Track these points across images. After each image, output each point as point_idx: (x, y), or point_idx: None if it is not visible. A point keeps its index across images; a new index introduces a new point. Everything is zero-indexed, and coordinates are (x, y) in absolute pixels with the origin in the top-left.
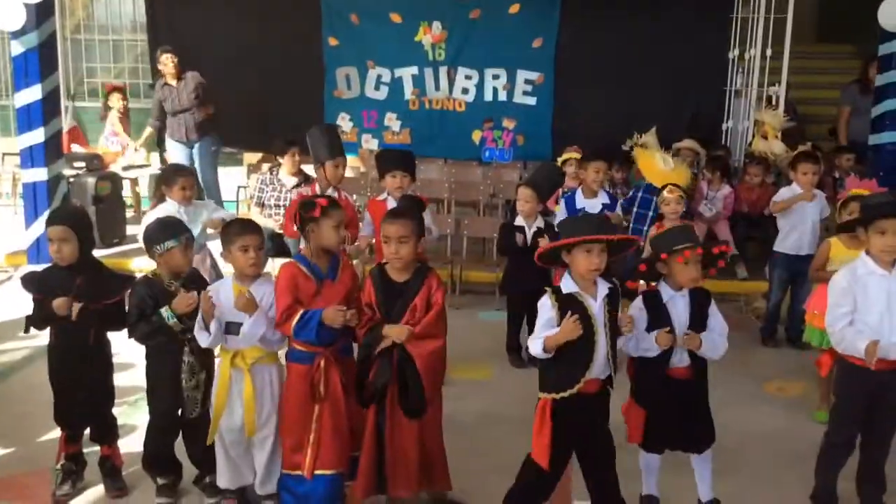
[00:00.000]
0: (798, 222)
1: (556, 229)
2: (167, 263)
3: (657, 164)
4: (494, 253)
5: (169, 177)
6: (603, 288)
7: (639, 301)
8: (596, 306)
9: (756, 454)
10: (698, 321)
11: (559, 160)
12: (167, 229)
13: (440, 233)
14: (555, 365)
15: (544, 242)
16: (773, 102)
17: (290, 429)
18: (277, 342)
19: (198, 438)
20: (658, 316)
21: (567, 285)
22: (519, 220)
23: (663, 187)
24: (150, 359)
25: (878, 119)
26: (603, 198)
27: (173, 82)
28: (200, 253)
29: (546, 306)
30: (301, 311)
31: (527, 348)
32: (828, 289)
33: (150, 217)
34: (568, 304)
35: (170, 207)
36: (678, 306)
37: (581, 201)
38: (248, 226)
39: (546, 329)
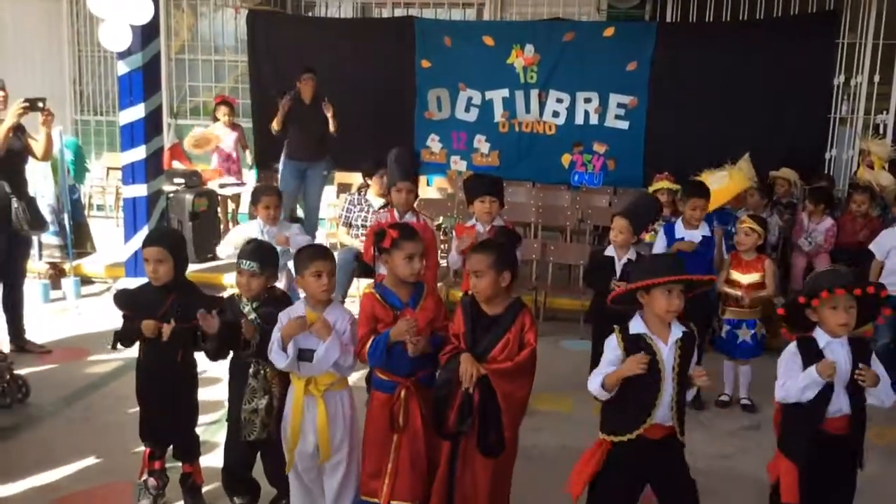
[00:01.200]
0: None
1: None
2: (239, 283)
3: (711, 185)
4: (580, 280)
5: (256, 195)
6: (676, 332)
7: (793, 346)
8: (665, 350)
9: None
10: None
11: (651, 188)
12: (259, 254)
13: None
14: (616, 407)
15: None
16: (881, 131)
17: (370, 455)
18: (349, 368)
19: (275, 461)
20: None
21: (636, 326)
22: (610, 250)
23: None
24: (230, 379)
25: None
26: (704, 229)
27: (307, 101)
28: (281, 272)
29: (612, 345)
30: (373, 337)
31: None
32: None
33: (235, 232)
34: (635, 346)
35: (254, 225)
36: (837, 354)
37: (681, 231)
38: (319, 251)
39: (608, 367)
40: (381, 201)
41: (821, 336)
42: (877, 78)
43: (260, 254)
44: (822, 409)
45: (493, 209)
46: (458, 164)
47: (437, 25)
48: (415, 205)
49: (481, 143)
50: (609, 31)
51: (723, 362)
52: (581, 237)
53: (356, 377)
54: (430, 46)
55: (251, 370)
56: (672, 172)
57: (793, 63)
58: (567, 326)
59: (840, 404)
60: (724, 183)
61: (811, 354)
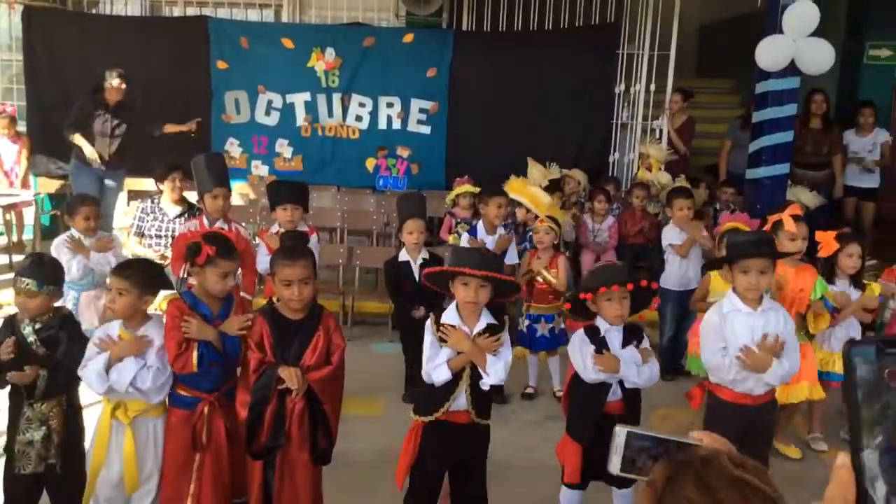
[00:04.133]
0: (682, 259)
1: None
2: (17, 303)
3: (537, 194)
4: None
5: (73, 205)
6: (482, 322)
7: (581, 332)
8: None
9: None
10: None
11: (453, 192)
12: (39, 271)
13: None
14: (427, 390)
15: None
16: (657, 135)
17: (168, 479)
18: (156, 392)
19: (63, 495)
20: (599, 348)
21: (449, 315)
22: (403, 254)
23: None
24: (8, 407)
25: (755, 154)
26: (502, 233)
27: (111, 103)
28: (97, 290)
29: (428, 332)
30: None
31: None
32: (701, 326)
33: (55, 244)
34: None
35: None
36: (614, 340)
37: (482, 236)
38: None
39: (434, 353)
40: (178, 209)
41: (601, 324)
42: (653, 87)
43: (39, 270)
44: (605, 393)
45: (295, 217)
46: (260, 169)
47: (232, 26)
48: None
49: (283, 148)
50: (408, 38)
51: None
52: (387, 241)
53: None
54: (226, 47)
55: (26, 401)
56: (472, 176)
57: (579, 71)
58: (376, 330)
59: (614, 388)
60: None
61: (596, 340)
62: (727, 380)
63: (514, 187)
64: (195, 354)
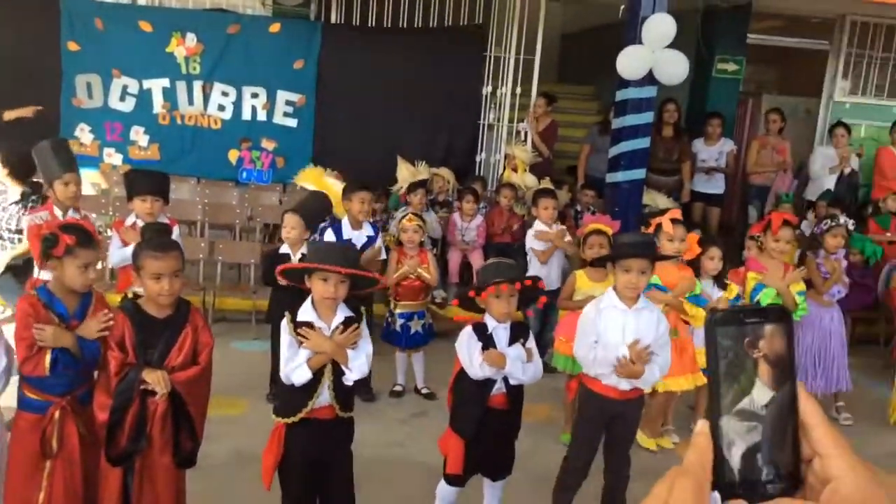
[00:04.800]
0: (547, 253)
1: None
2: None
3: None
4: (252, 279)
5: None
6: (340, 316)
7: (469, 329)
8: (328, 333)
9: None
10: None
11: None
12: None
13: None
14: (287, 390)
15: None
16: (522, 137)
17: (13, 488)
18: None
19: None
20: (486, 345)
21: (304, 313)
22: (285, 248)
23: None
24: None
25: (614, 159)
26: (368, 230)
27: None
28: None
29: (285, 332)
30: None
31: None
32: (578, 319)
33: None
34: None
35: None
36: (500, 337)
37: (348, 232)
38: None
39: (292, 353)
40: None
41: (489, 321)
42: (518, 90)
43: None
44: (489, 389)
45: (154, 209)
46: (113, 158)
47: (86, 5)
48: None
49: (139, 136)
50: (275, 27)
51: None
52: (251, 235)
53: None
54: (79, 28)
55: None
56: (341, 171)
57: (448, 71)
58: (238, 327)
59: (498, 382)
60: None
61: (484, 337)
62: (592, 373)
63: (309, 176)
64: (48, 358)
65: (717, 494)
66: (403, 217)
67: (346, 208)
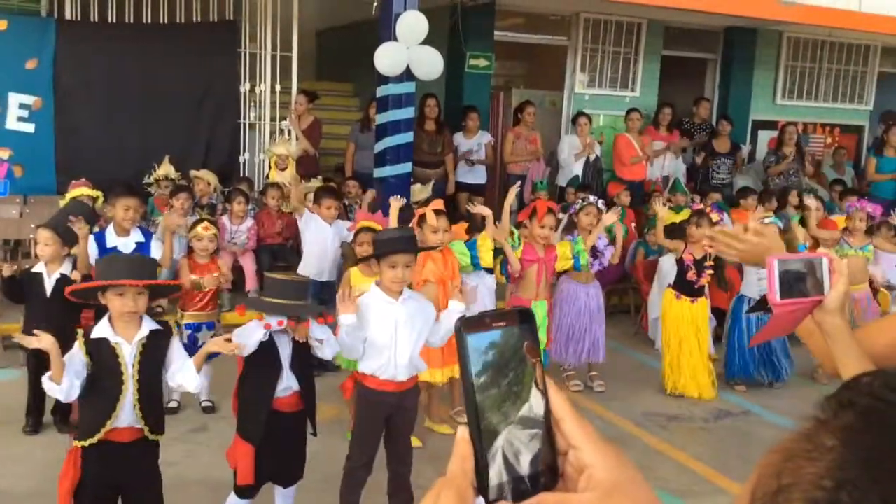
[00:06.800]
0: (321, 251)
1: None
2: None
3: None
4: None
5: None
6: (144, 330)
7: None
8: (128, 350)
9: None
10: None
11: (68, 195)
12: None
13: None
14: (84, 410)
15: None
16: (287, 135)
17: None
18: None
19: None
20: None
21: (100, 329)
22: (39, 267)
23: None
24: None
25: (381, 154)
26: (137, 235)
27: None
28: None
29: (75, 351)
30: None
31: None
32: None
33: None
34: (97, 348)
35: None
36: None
37: (113, 240)
38: None
39: (77, 375)
40: None
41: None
42: (278, 87)
43: None
44: (272, 389)
45: None
46: None
47: None
48: None
49: None
50: (1, 25)
51: None
52: None
53: None
54: None
55: None
56: (89, 178)
57: (202, 69)
58: None
59: (289, 382)
60: None
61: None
62: (368, 370)
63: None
64: None
65: (481, 500)
66: (197, 224)
67: (109, 216)
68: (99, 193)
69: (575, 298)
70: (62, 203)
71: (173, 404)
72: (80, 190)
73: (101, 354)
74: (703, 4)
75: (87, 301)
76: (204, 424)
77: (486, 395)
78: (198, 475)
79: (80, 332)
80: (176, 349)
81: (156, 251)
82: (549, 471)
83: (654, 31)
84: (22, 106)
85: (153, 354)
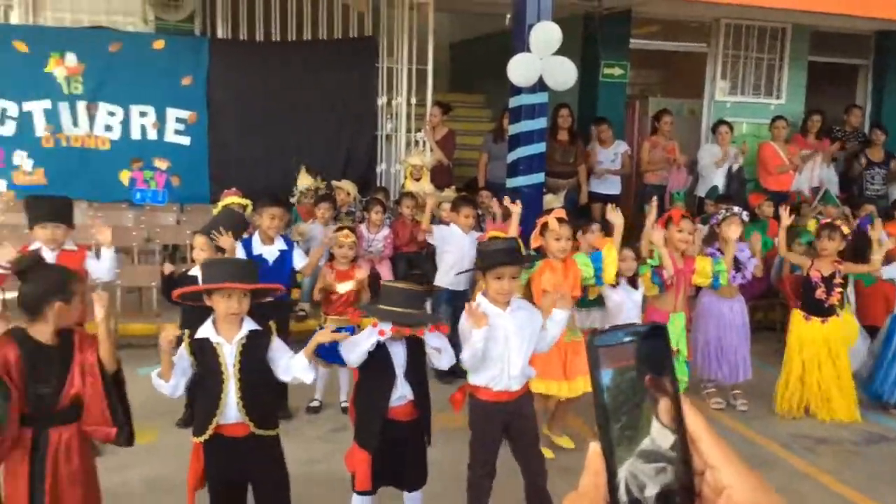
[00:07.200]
0: (458, 260)
1: None
2: None
3: None
4: (154, 302)
5: None
6: (243, 331)
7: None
8: (228, 350)
9: None
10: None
11: (220, 204)
12: None
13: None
14: (197, 407)
15: None
16: (421, 147)
17: None
18: None
19: None
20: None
21: (203, 330)
22: (194, 270)
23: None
24: None
25: (513, 165)
26: (280, 244)
27: None
28: None
29: (181, 353)
30: None
31: None
32: (459, 327)
33: None
34: (201, 348)
35: None
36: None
37: (259, 247)
38: None
39: (184, 373)
40: None
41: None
42: (413, 100)
43: None
44: (386, 398)
45: (56, 235)
46: None
47: None
48: None
49: (23, 160)
50: (159, 44)
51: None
52: (150, 257)
53: None
54: None
55: None
56: (239, 188)
57: (341, 83)
58: (142, 353)
59: (403, 391)
60: None
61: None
62: (481, 382)
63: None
64: None
65: None
66: (338, 232)
67: (256, 224)
68: (248, 202)
69: (718, 313)
70: (215, 211)
71: (315, 403)
72: (231, 199)
73: (204, 354)
74: (853, 8)
75: (195, 303)
76: (345, 424)
77: (617, 409)
78: (339, 472)
79: (186, 332)
80: (277, 347)
81: (299, 260)
82: (684, 490)
83: (799, 36)
84: (178, 120)
85: (253, 353)
